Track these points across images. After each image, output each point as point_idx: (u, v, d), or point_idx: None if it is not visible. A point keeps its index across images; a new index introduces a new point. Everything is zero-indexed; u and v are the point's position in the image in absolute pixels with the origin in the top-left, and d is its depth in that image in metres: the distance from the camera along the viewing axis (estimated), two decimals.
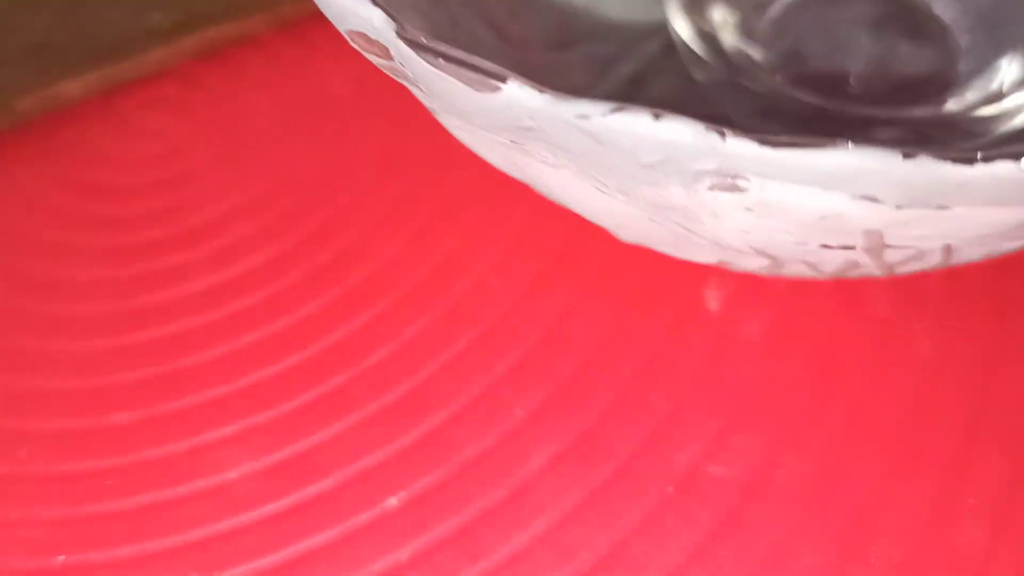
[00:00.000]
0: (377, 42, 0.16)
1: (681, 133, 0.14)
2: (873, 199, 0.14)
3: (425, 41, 0.15)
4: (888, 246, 0.17)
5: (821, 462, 0.22)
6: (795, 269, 0.19)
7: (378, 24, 0.16)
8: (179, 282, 0.26)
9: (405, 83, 0.18)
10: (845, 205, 0.15)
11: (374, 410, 0.23)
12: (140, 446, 0.23)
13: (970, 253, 0.18)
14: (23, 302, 0.26)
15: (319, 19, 0.32)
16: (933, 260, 0.18)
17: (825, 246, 0.17)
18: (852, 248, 0.17)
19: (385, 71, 0.18)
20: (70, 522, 0.22)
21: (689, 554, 0.21)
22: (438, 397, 0.23)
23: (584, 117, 0.14)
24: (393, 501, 0.22)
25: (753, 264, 0.19)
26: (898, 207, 0.15)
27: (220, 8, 0.31)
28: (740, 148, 0.14)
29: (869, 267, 0.19)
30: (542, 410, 0.23)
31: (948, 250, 0.17)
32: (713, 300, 0.24)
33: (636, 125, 0.14)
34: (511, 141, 0.17)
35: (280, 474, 0.22)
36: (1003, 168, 0.13)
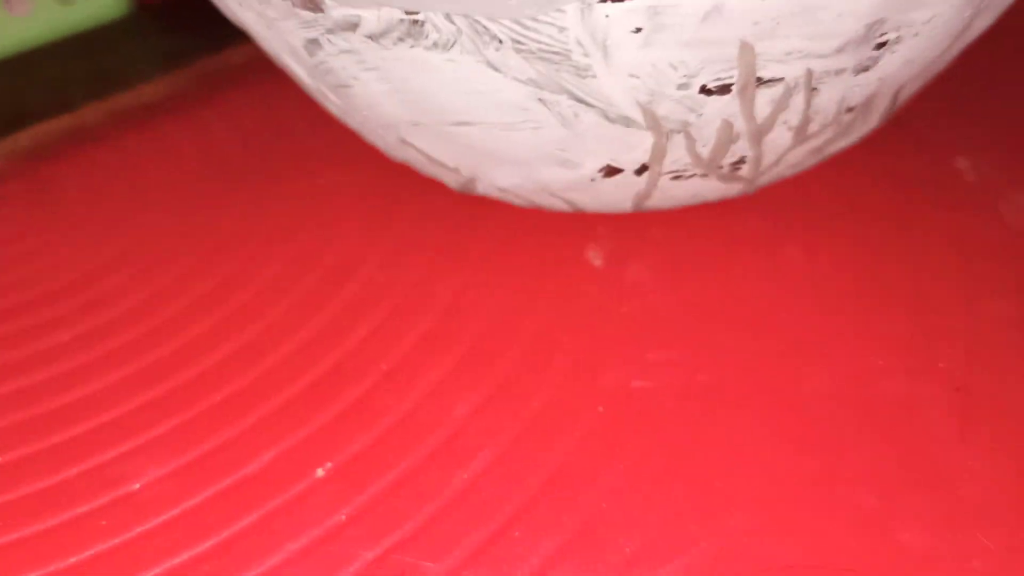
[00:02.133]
0: None
1: None
2: None
3: None
4: (760, 81, 0.19)
5: (735, 363, 0.22)
6: (677, 153, 0.21)
7: None
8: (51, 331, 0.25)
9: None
10: None
11: (283, 400, 0.22)
12: (34, 479, 0.21)
13: (832, 92, 0.20)
14: None
15: (152, 110, 0.33)
16: (798, 104, 0.20)
17: (704, 90, 0.19)
18: (728, 91, 0.19)
19: None
20: None
21: (632, 462, 0.20)
22: (347, 379, 0.23)
23: None
24: (320, 472, 0.21)
25: (638, 150, 0.20)
26: None
27: (51, 102, 0.31)
28: None
29: (742, 130, 0.20)
30: (457, 370, 0.23)
31: (809, 76, 0.19)
32: (596, 258, 0.25)
33: None
34: (411, 21, 0.18)
35: (190, 474, 0.21)
36: None
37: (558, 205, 0.24)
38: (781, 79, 0.19)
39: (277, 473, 0.21)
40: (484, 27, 0.17)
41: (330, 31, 0.19)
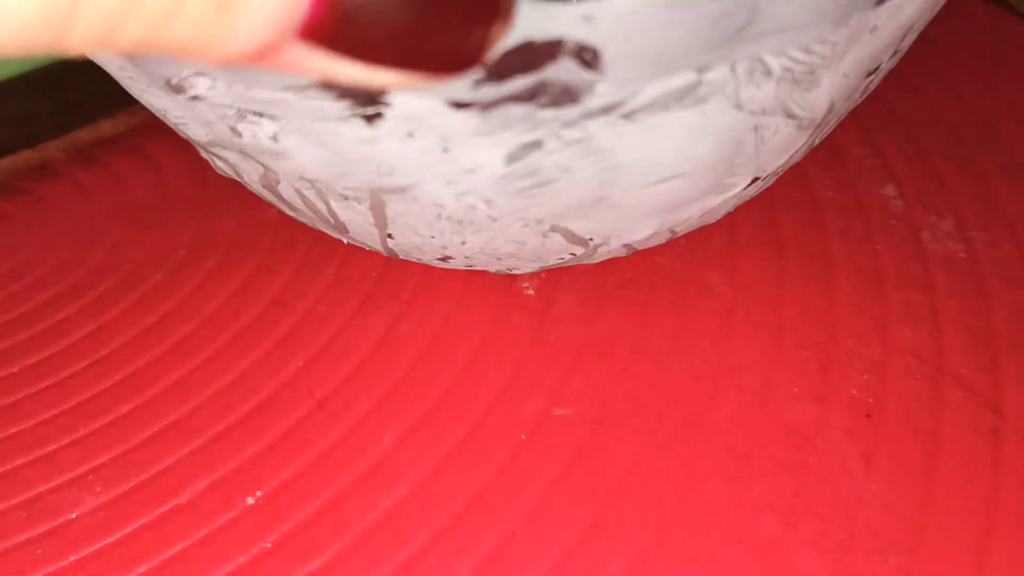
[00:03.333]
0: None
1: None
2: None
3: None
4: None
5: (652, 390, 0.23)
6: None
7: None
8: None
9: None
10: None
11: (218, 431, 0.23)
12: None
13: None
14: None
15: (114, 145, 0.34)
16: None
17: None
18: None
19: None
20: None
21: (548, 488, 0.21)
22: (281, 409, 0.23)
23: None
24: (250, 500, 0.21)
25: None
26: None
27: (13, 139, 0.32)
28: None
29: None
30: (386, 399, 0.23)
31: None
32: (529, 288, 0.26)
33: None
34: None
35: (125, 504, 0.22)
36: None
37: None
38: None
39: (209, 502, 0.22)
40: None
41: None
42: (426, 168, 0.17)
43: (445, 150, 0.17)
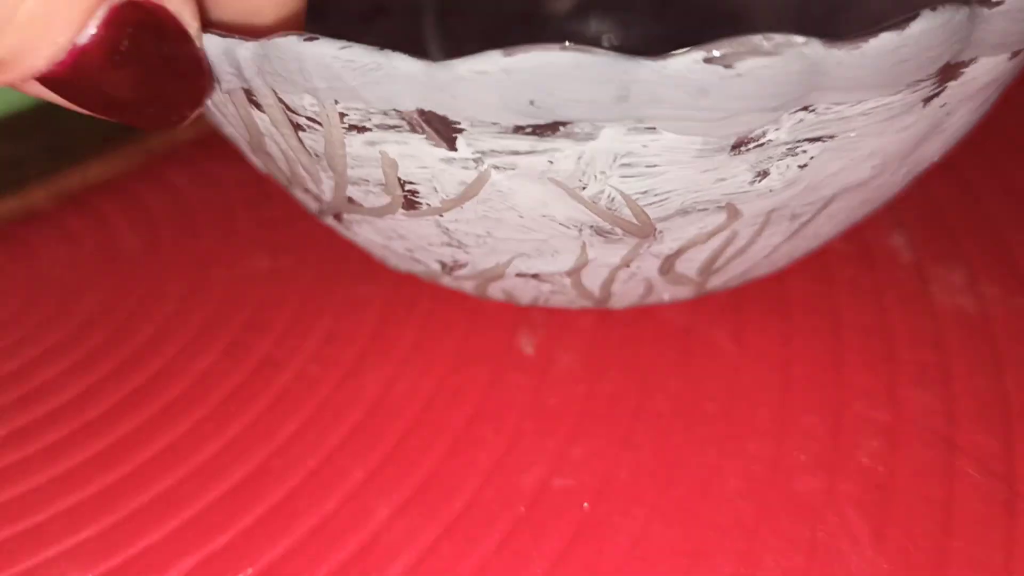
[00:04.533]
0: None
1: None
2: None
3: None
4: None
5: (656, 458, 0.22)
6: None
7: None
8: None
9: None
10: None
11: (207, 502, 0.22)
12: None
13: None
14: None
15: (103, 190, 0.33)
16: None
17: None
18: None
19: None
20: None
21: (548, 567, 0.20)
22: (272, 479, 0.23)
23: None
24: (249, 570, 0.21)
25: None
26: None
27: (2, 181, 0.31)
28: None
29: None
30: (380, 468, 0.23)
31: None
32: (528, 346, 0.25)
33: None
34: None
35: None
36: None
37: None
38: None
39: None
40: None
41: None
42: None
43: None
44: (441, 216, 0.19)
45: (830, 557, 0.20)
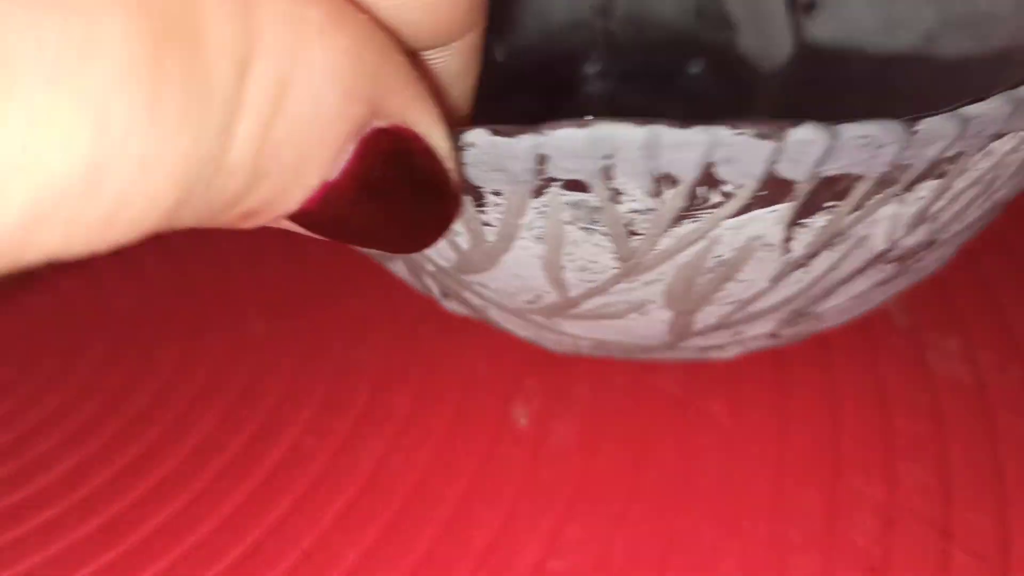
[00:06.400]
0: None
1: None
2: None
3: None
4: None
5: (652, 537, 0.22)
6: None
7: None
8: None
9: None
10: None
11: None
12: None
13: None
14: None
15: None
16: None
17: None
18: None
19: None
20: None
21: None
22: (265, 559, 0.22)
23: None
24: None
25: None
26: None
27: None
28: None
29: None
30: (374, 548, 0.22)
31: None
32: (522, 417, 0.25)
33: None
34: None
35: None
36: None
37: None
38: None
39: None
40: None
41: None
42: None
43: None
44: None
45: None
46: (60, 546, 0.23)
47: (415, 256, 0.20)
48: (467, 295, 0.22)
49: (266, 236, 0.31)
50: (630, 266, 0.18)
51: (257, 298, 0.31)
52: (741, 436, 0.24)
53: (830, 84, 0.30)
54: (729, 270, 0.18)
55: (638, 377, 0.26)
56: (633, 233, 0.17)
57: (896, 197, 0.17)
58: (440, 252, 0.19)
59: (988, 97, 0.15)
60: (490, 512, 0.23)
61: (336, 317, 0.29)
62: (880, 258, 0.19)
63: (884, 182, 0.16)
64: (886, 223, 0.17)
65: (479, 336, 0.28)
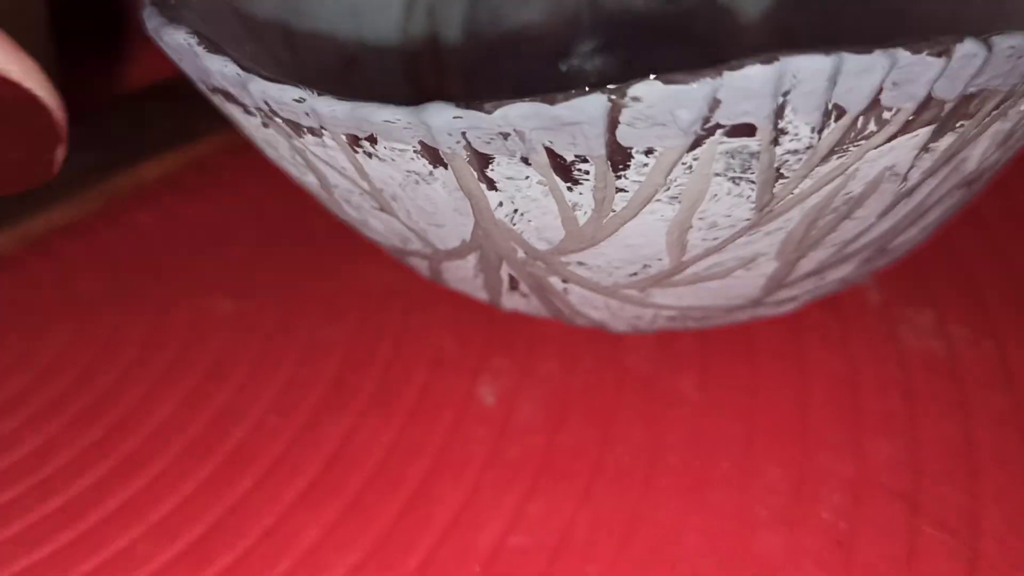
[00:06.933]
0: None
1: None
2: None
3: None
4: None
5: (616, 512, 0.22)
6: None
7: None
8: None
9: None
10: None
11: (160, 564, 0.22)
12: None
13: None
14: None
15: (67, 233, 0.33)
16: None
17: None
18: None
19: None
20: None
21: None
22: (226, 538, 0.22)
23: None
24: None
25: None
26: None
27: None
28: None
29: None
30: (336, 526, 0.22)
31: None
32: (489, 396, 0.25)
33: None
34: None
35: None
36: None
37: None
38: None
39: None
40: None
41: None
42: None
43: None
44: None
45: None
46: (21, 525, 0.23)
47: (501, 244, 0.19)
48: (551, 280, 0.20)
49: (234, 216, 0.31)
50: (763, 215, 0.17)
51: (224, 278, 0.31)
52: (709, 412, 0.24)
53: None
54: (851, 207, 0.17)
55: (607, 354, 0.26)
56: (780, 177, 0.16)
57: (1003, 115, 0.16)
58: (541, 233, 0.18)
59: None
60: (453, 489, 0.23)
61: (303, 297, 0.29)
62: (962, 183, 0.18)
63: (1008, 96, 0.15)
64: (986, 142, 0.17)
65: (447, 316, 0.28)
